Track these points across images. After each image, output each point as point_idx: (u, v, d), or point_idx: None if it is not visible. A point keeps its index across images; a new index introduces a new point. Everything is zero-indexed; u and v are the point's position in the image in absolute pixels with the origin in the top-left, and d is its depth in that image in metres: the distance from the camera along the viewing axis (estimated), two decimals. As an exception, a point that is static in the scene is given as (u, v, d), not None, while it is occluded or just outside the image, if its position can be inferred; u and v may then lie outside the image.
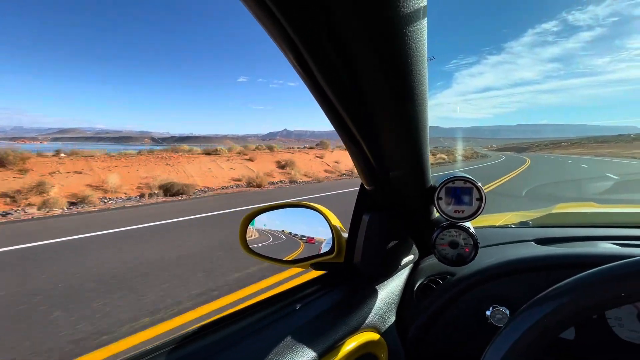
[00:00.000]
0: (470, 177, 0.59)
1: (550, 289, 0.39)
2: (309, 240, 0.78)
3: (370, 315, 0.62)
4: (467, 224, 0.64)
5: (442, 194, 0.60)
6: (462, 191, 0.59)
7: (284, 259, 0.76)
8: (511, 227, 0.97)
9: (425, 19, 0.34)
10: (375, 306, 0.65)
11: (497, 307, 0.62)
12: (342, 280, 0.72)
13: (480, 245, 0.80)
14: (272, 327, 0.56)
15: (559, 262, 0.62)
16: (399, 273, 0.76)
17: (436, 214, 0.69)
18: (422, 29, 0.35)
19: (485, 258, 0.70)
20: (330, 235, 0.71)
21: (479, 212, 0.59)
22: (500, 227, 1.00)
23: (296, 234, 0.80)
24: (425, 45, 0.37)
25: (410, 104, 0.42)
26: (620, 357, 0.58)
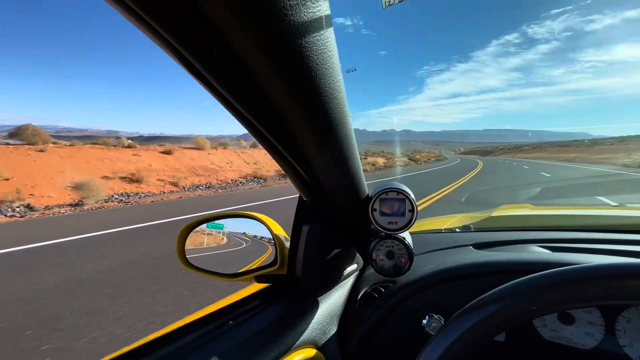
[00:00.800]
0: (403, 188, 0.61)
1: (478, 299, 0.39)
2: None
3: (308, 330, 0.60)
4: (405, 234, 0.65)
5: (377, 205, 0.61)
6: (396, 202, 0.61)
7: (226, 273, 0.72)
8: (455, 231, 1.00)
9: (331, 28, 0.33)
10: (314, 320, 0.63)
11: (433, 316, 0.62)
12: (284, 294, 0.70)
13: (422, 252, 0.83)
14: (204, 348, 0.52)
15: (490, 269, 0.63)
16: (342, 283, 0.74)
17: None
18: (326, 40, 0.33)
19: (426, 265, 0.70)
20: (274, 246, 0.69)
21: (410, 224, 0.61)
22: (446, 230, 1.02)
23: (242, 243, 0.77)
24: (335, 57, 0.35)
25: (325, 119, 0.41)
26: (544, 357, 0.60)
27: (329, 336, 0.64)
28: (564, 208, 1.48)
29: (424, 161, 39.95)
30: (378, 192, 0.61)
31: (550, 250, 0.73)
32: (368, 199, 0.62)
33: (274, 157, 0.50)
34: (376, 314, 0.66)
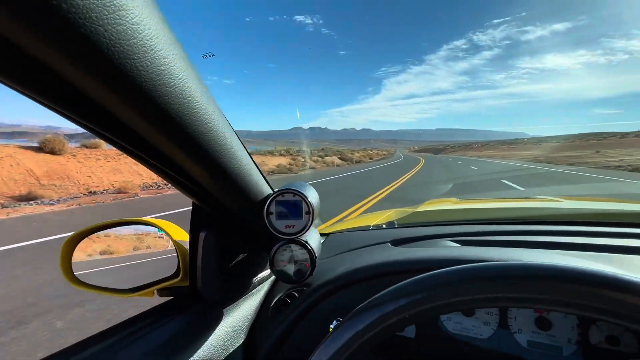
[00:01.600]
0: (299, 190, 0.58)
1: (366, 301, 0.39)
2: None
3: (206, 347, 0.55)
4: (312, 236, 0.63)
5: (273, 208, 0.57)
6: (293, 204, 0.58)
7: (123, 288, 0.64)
8: (382, 227, 1.00)
9: (167, 41, 0.28)
10: (215, 335, 0.58)
11: (340, 320, 0.59)
12: (186, 307, 0.63)
13: (342, 251, 0.82)
14: None
15: (397, 268, 0.62)
16: (255, 290, 0.70)
17: None
18: (163, 56, 0.28)
19: (342, 265, 0.68)
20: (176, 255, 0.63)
21: (307, 227, 0.58)
22: (374, 227, 1.01)
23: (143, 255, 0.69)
24: (188, 82, 0.32)
25: (194, 138, 0.37)
26: (450, 349, 0.63)
27: (231, 351, 0.60)
28: (486, 201, 1.54)
29: (357, 161, 34.91)
30: (274, 194, 0.57)
31: (460, 244, 0.75)
32: (264, 201, 0.58)
33: (153, 171, 0.45)
34: (286, 321, 0.63)
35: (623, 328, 0.53)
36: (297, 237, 0.59)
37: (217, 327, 0.59)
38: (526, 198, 1.87)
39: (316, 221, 0.84)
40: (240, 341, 0.62)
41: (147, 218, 0.66)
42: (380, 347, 0.65)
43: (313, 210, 0.58)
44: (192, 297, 0.64)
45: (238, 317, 0.63)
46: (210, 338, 0.57)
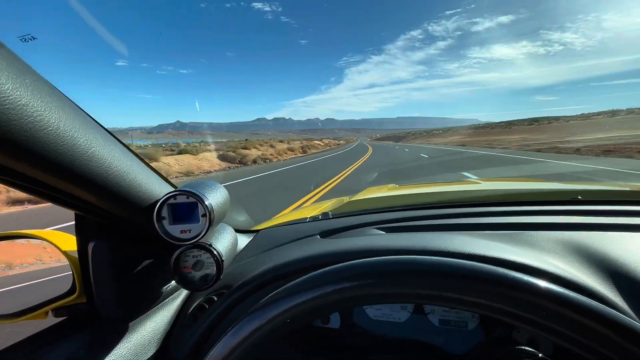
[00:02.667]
0: (193, 190, 0.51)
1: (268, 296, 0.40)
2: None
3: None
4: (223, 235, 0.61)
5: (165, 212, 0.51)
6: (188, 207, 0.52)
7: (7, 313, 0.56)
8: (318, 219, 0.96)
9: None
10: (116, 353, 0.52)
11: None
12: (84, 326, 0.56)
13: (273, 246, 0.78)
14: None
15: (315, 262, 0.60)
16: (170, 298, 0.65)
17: None
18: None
19: (265, 263, 0.66)
20: (71, 271, 0.57)
21: (204, 232, 0.52)
22: (310, 219, 0.97)
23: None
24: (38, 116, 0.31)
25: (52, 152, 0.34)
26: (373, 335, 0.67)
27: None
28: (419, 186, 1.52)
29: (256, 160, 21.01)
30: (165, 197, 0.51)
31: (385, 231, 0.75)
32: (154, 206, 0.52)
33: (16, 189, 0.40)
34: (202, 327, 0.60)
35: None
36: (198, 241, 0.54)
37: (119, 345, 0.53)
38: (455, 182, 1.93)
39: (241, 218, 0.91)
40: (150, 355, 0.57)
41: (28, 230, 0.59)
42: (306, 341, 0.67)
43: (211, 211, 0.52)
44: (92, 315, 0.58)
45: (147, 331, 0.58)
46: (111, 358, 0.51)
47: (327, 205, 1.18)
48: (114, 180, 0.43)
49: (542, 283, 0.31)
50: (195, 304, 0.65)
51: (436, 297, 0.34)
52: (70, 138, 0.36)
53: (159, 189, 0.53)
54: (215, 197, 0.55)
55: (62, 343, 0.52)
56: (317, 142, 59.04)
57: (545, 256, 0.54)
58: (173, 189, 0.54)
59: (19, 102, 0.29)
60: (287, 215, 1.17)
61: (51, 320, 0.57)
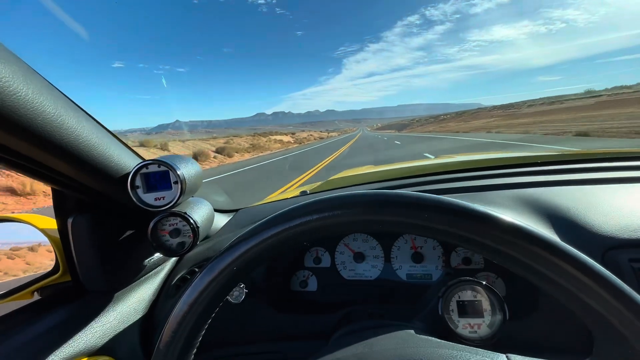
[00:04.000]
0: (164, 160, 0.54)
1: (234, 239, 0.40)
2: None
3: (92, 336, 0.52)
4: (199, 206, 0.63)
5: (138, 181, 0.54)
6: (161, 176, 0.55)
7: None
8: (295, 197, 0.99)
9: None
10: (102, 322, 0.55)
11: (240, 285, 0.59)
12: (65, 302, 0.58)
13: (254, 221, 0.80)
14: None
15: None
16: (154, 271, 0.68)
17: None
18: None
19: None
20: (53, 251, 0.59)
21: (178, 197, 0.55)
22: (292, 197, 1.01)
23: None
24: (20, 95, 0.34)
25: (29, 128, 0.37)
26: (347, 294, 0.74)
27: (123, 335, 0.57)
28: (394, 165, 1.56)
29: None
30: (137, 167, 0.53)
31: None
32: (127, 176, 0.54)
33: None
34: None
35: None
36: (174, 210, 0.57)
37: (105, 315, 0.56)
38: (428, 159, 1.95)
39: (220, 199, 0.93)
40: (136, 325, 0.60)
41: (10, 215, 0.60)
42: (287, 304, 0.71)
43: (183, 180, 0.55)
44: (77, 292, 0.60)
45: (132, 301, 0.61)
46: (96, 327, 0.54)
47: (307, 187, 1.23)
48: (85, 150, 0.45)
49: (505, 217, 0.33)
50: (178, 276, 0.68)
51: (404, 224, 0.35)
52: (39, 105, 0.38)
53: (131, 162, 0.55)
54: (187, 168, 0.58)
55: (49, 313, 0.54)
56: (279, 137, 46.89)
57: (499, 209, 0.57)
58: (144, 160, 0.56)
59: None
60: (267, 198, 1.22)
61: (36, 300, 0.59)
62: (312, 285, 0.76)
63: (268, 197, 1.24)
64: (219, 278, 0.37)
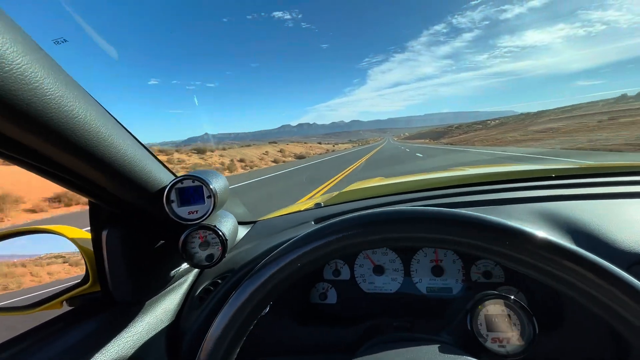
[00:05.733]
0: (198, 175, 0.57)
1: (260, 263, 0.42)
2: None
3: (121, 346, 0.53)
4: (225, 220, 0.66)
5: (173, 196, 0.56)
6: (194, 191, 0.58)
7: (23, 304, 0.58)
8: (310, 209, 1.00)
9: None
10: (131, 332, 0.55)
11: None
12: (99, 311, 0.59)
13: (272, 233, 0.82)
14: None
15: None
16: (178, 282, 0.69)
17: None
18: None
19: (263, 247, 0.71)
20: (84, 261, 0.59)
21: (210, 210, 0.57)
22: (306, 209, 1.02)
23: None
24: (43, 72, 0.33)
25: (69, 140, 0.38)
26: (366, 307, 0.74)
27: (152, 345, 0.58)
28: (405, 177, 1.58)
29: None
30: (172, 182, 0.56)
31: None
32: (163, 190, 0.56)
33: (37, 173, 0.44)
34: (208, 307, 0.64)
35: (494, 264, 0.68)
36: (203, 222, 0.59)
37: (134, 325, 0.57)
38: (441, 170, 1.81)
39: (239, 211, 0.92)
40: (162, 335, 0.61)
41: (42, 226, 0.60)
42: (307, 316, 0.71)
43: (215, 194, 0.58)
44: (106, 302, 0.60)
45: (159, 312, 0.62)
46: (126, 337, 0.55)
47: (319, 199, 1.24)
48: (129, 167, 0.48)
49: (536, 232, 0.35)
50: (201, 287, 0.69)
51: (435, 240, 0.37)
52: (95, 127, 0.41)
53: (166, 177, 0.57)
54: (218, 182, 0.60)
55: (80, 324, 0.54)
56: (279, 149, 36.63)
57: (522, 224, 0.57)
58: (178, 176, 0.58)
59: (56, 94, 0.35)
60: (282, 210, 1.21)
61: (66, 310, 0.59)
62: (332, 297, 0.76)
63: (283, 210, 1.20)
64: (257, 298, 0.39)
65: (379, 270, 0.74)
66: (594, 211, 0.63)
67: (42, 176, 0.45)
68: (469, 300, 0.57)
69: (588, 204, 0.66)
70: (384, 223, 0.38)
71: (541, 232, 0.34)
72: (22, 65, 0.31)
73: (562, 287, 0.33)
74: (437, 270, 0.70)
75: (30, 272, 0.65)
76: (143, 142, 0.53)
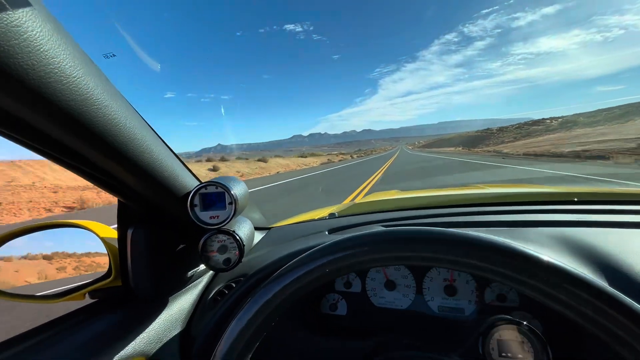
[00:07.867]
0: (221, 182, 0.59)
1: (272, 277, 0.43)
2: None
3: (138, 342, 0.54)
4: (243, 226, 0.67)
5: (197, 200, 0.59)
6: (217, 196, 0.60)
7: (49, 294, 0.61)
8: (325, 219, 1.01)
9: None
10: (148, 329, 0.57)
11: None
12: (118, 306, 0.61)
13: (284, 241, 0.85)
14: None
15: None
16: (193, 283, 0.71)
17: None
18: (51, 55, 0.30)
19: (278, 254, 0.71)
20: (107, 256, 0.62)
21: (231, 216, 0.59)
22: (320, 218, 1.04)
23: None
24: (81, 70, 0.34)
25: (108, 142, 0.40)
26: (377, 321, 0.73)
27: (166, 343, 0.59)
28: (421, 192, 1.58)
29: None
30: (197, 188, 0.59)
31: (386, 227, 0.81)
32: (189, 194, 0.59)
33: (73, 172, 0.47)
34: (221, 310, 0.65)
35: (509, 287, 0.66)
36: (223, 227, 0.61)
37: (151, 322, 0.59)
38: (458, 187, 1.87)
39: (256, 216, 0.95)
40: (176, 333, 0.62)
41: (72, 220, 0.63)
42: (316, 326, 0.71)
43: (236, 200, 0.60)
44: (126, 297, 0.63)
45: (174, 311, 0.64)
46: (143, 332, 0.57)
47: (334, 208, 1.24)
48: (159, 171, 0.50)
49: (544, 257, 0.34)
50: (216, 289, 0.70)
51: (440, 260, 0.37)
52: (134, 133, 0.44)
53: (191, 182, 0.60)
54: (239, 189, 0.62)
55: (100, 317, 0.57)
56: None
57: (539, 248, 0.57)
58: (203, 182, 0.60)
59: (104, 104, 0.37)
60: (296, 217, 1.22)
61: (88, 302, 0.62)
62: (342, 309, 0.76)
63: (298, 216, 1.23)
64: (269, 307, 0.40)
65: (390, 285, 0.73)
66: (620, 240, 0.60)
67: (80, 175, 0.47)
68: (481, 322, 0.57)
69: (614, 232, 0.64)
70: (382, 242, 0.40)
71: (546, 256, 0.34)
72: (77, 77, 0.34)
73: (567, 311, 0.32)
74: (450, 290, 0.69)
75: (57, 265, 0.68)
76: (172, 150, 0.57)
